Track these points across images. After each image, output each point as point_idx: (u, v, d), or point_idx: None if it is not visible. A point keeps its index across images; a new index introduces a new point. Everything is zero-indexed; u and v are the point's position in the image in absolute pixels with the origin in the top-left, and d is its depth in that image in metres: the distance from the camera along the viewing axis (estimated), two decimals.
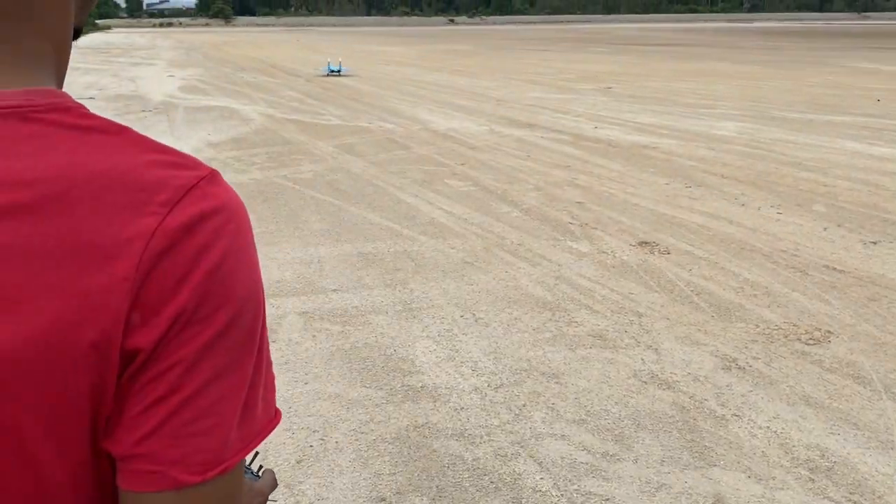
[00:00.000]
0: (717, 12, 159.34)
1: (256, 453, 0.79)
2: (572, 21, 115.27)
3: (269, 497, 0.90)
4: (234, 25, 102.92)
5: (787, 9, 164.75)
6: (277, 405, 0.63)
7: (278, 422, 0.62)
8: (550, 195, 6.98)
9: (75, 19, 0.61)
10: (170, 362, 0.52)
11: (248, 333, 0.56)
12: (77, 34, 0.63)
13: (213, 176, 0.56)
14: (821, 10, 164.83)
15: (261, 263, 0.60)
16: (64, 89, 0.60)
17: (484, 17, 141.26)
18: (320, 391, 3.40)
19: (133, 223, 0.51)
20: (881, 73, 20.61)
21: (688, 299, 4.46)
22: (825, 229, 5.85)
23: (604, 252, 5.30)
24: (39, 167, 0.51)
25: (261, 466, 0.94)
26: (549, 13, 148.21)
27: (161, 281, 0.51)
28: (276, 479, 0.92)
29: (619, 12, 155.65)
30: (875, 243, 5.47)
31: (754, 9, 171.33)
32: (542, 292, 4.57)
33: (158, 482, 0.53)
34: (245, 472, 0.86)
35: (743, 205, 6.57)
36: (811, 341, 3.89)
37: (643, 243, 5.49)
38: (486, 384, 3.45)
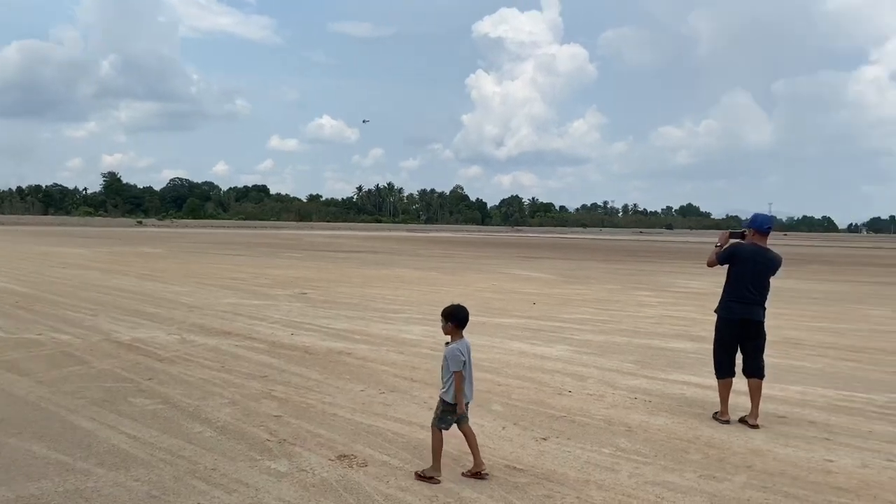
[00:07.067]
0: (398, 222, 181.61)
1: None
2: (266, 227, 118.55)
3: None
4: None
5: (457, 221, 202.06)
6: None
7: None
8: (247, 409, 6.75)
9: None
10: None
11: None
12: None
13: None
14: (482, 223, 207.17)
15: None
16: None
17: (175, 219, 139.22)
18: None
19: None
20: (532, 280, 24.22)
21: None
22: (503, 428, 6.42)
23: (303, 470, 5.19)
24: None
25: None
26: (243, 219, 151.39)
27: None
28: None
29: (310, 220, 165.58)
30: (545, 439, 6.13)
31: (430, 220, 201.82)
32: None
33: None
34: None
35: (431, 408, 6.96)
36: None
37: (342, 457, 5.49)
38: None
